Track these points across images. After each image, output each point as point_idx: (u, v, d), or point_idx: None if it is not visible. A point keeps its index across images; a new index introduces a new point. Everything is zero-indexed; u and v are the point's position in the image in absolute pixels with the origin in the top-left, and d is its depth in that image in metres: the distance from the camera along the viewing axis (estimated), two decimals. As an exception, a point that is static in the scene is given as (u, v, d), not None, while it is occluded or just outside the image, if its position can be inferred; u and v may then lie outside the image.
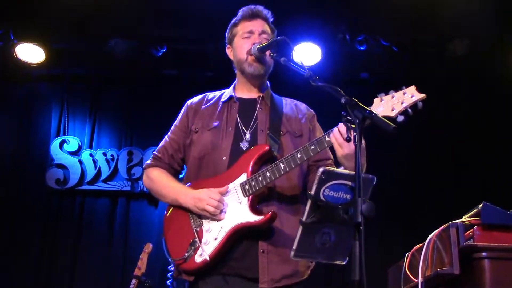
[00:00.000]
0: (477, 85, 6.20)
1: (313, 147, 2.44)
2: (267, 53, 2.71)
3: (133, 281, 4.49)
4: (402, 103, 2.30)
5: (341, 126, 2.35)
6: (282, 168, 2.46)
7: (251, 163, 2.53)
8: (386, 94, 2.36)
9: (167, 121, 6.95)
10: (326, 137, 2.42)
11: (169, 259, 2.56)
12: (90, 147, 6.33)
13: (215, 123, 2.71)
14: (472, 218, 2.51)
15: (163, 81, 6.51)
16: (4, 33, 5.71)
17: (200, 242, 2.48)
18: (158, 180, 2.76)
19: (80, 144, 6.32)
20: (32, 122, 6.48)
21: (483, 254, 2.38)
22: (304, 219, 2.12)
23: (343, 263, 2.25)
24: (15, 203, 6.13)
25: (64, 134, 6.36)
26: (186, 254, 2.51)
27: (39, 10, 5.36)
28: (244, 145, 2.64)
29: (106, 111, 6.51)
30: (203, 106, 2.82)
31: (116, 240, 6.04)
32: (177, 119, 2.88)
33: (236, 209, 2.49)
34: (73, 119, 6.45)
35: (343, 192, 2.08)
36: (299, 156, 2.45)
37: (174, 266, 2.60)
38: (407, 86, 2.34)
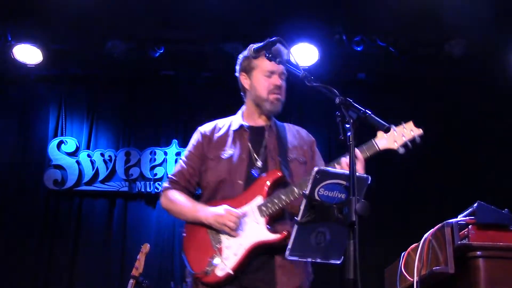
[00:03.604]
0: (475, 85, 6.21)
1: None
2: (279, 82, 2.86)
3: (131, 281, 4.50)
4: (403, 136, 2.67)
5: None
6: (296, 192, 2.65)
7: (266, 187, 2.73)
8: None
9: (165, 121, 6.99)
10: (336, 164, 2.60)
11: (191, 273, 2.72)
12: (88, 147, 6.33)
13: (230, 152, 2.88)
14: (467, 218, 2.52)
15: (160, 81, 6.52)
16: (1, 34, 5.71)
17: (221, 257, 2.67)
18: (177, 200, 2.90)
19: (78, 145, 6.32)
20: (30, 123, 6.48)
21: (478, 253, 2.40)
22: (299, 218, 2.13)
23: (338, 262, 2.27)
24: (13, 204, 6.14)
25: (62, 135, 6.36)
26: (208, 269, 2.67)
27: (36, 11, 5.36)
28: (256, 171, 2.82)
29: (104, 112, 6.52)
30: (215, 135, 2.96)
31: (114, 240, 6.05)
32: (191, 145, 3.00)
33: (254, 228, 2.69)
34: (71, 120, 6.45)
35: (337, 191, 2.09)
36: None
37: (192, 279, 2.75)
38: (405, 121, 2.70)
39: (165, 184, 2.99)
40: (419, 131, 2.67)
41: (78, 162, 6.25)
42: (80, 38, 5.84)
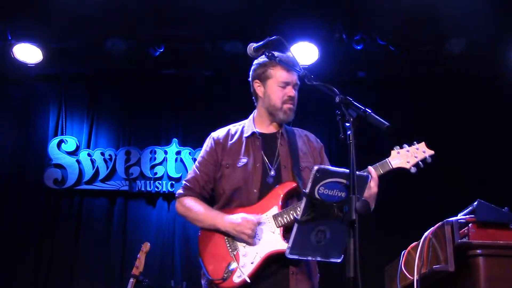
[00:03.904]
0: (475, 84, 6.21)
1: None
2: (293, 93, 2.89)
3: (131, 280, 4.50)
4: (415, 156, 2.79)
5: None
6: None
7: (281, 198, 2.80)
8: (401, 147, 2.81)
9: (165, 120, 6.97)
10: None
11: (209, 278, 2.77)
12: (88, 147, 6.32)
13: (244, 160, 2.92)
14: (467, 216, 2.53)
15: (160, 80, 6.51)
16: (1, 33, 5.70)
17: (238, 264, 2.74)
18: (194, 207, 2.95)
19: (78, 144, 6.32)
20: (30, 122, 6.47)
21: (478, 251, 2.40)
22: (299, 217, 2.14)
23: (339, 260, 2.27)
24: (13, 203, 6.13)
25: (62, 134, 6.35)
26: (225, 275, 2.74)
27: (36, 10, 5.35)
28: (270, 180, 2.87)
29: (104, 111, 6.51)
30: (229, 142, 3.00)
31: (114, 239, 6.04)
32: (204, 151, 3.03)
33: (270, 237, 2.76)
34: (71, 119, 6.44)
35: (337, 190, 2.09)
36: None
37: (208, 283, 2.81)
38: (418, 142, 2.82)
39: (180, 191, 3.03)
40: (431, 152, 2.80)
41: (78, 161, 6.24)
42: (80, 37, 5.83)
